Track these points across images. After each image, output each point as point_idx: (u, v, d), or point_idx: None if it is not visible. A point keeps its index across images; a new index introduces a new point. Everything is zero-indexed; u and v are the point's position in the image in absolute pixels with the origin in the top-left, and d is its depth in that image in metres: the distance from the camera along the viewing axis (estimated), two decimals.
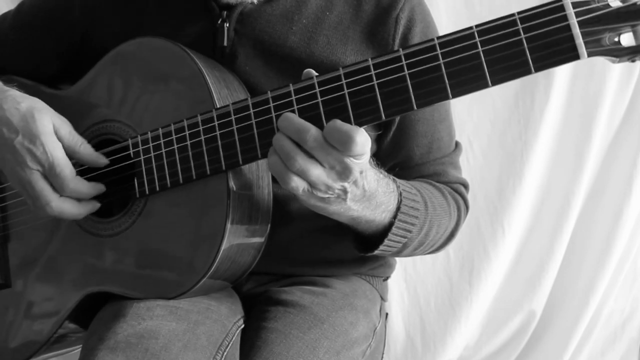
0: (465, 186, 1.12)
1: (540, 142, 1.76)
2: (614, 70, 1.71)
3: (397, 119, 1.01)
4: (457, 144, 1.12)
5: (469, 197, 1.12)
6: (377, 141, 1.04)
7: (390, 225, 0.90)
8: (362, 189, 0.81)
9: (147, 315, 0.87)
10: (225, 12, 0.98)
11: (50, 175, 0.91)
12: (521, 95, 1.75)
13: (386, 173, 0.90)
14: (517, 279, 1.87)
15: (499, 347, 1.92)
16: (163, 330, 0.85)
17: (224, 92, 0.91)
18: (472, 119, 1.76)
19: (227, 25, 0.98)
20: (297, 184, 0.77)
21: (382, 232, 0.91)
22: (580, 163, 1.76)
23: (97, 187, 0.94)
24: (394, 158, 1.05)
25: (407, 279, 1.84)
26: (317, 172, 0.77)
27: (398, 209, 0.89)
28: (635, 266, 1.87)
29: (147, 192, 0.91)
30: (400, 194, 0.90)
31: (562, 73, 1.72)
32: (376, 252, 0.93)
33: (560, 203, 1.80)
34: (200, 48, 0.97)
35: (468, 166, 1.77)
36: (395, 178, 0.91)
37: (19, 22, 1.12)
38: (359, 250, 0.96)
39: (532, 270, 1.85)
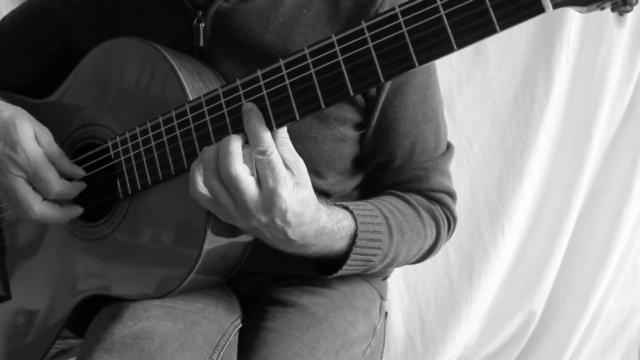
0: (451, 195, 1.07)
1: (540, 142, 1.76)
2: (614, 70, 1.71)
3: (375, 116, 0.99)
4: (448, 149, 1.08)
5: (456, 206, 1.08)
6: (360, 141, 1.02)
7: (339, 263, 0.91)
8: (283, 233, 0.81)
9: (143, 316, 0.87)
10: (200, 12, 0.97)
11: (35, 180, 0.91)
12: (521, 95, 1.75)
13: (343, 212, 0.88)
14: (517, 279, 1.87)
15: (499, 347, 1.92)
16: (159, 330, 0.85)
17: (198, 85, 0.91)
18: (472, 119, 1.76)
19: (203, 25, 0.97)
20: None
21: (334, 263, 0.92)
22: (580, 163, 1.76)
23: (79, 185, 0.94)
24: (376, 158, 1.03)
25: (407, 278, 1.84)
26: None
27: (350, 248, 0.89)
28: (635, 266, 1.88)
29: (129, 192, 0.91)
30: (355, 236, 0.89)
31: (562, 73, 1.72)
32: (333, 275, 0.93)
33: (560, 203, 1.80)
34: (178, 49, 0.96)
35: (468, 166, 1.77)
36: (357, 212, 0.90)
37: (1, 35, 1.12)
38: (314, 270, 0.96)
39: (532, 270, 1.85)
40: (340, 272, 0.92)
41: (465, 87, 1.74)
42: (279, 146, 0.78)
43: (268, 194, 0.77)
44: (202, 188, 0.80)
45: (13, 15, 1.13)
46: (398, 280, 1.84)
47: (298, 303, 1.00)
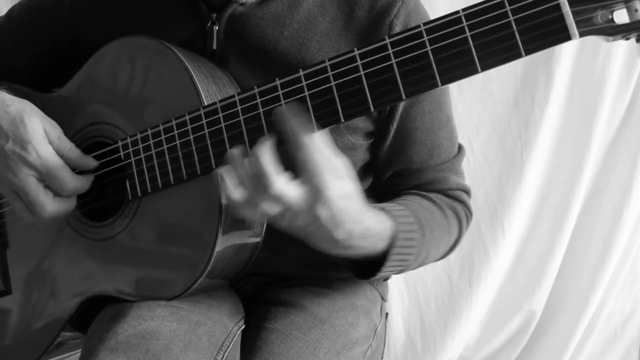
0: (467, 192, 1.09)
1: (540, 142, 1.76)
2: (614, 70, 1.71)
3: (394, 126, 0.99)
4: (459, 149, 1.09)
5: (471, 202, 1.10)
6: (372, 150, 1.02)
7: (379, 264, 0.89)
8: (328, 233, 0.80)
9: (148, 316, 0.87)
10: (215, 15, 0.97)
11: (49, 178, 0.90)
12: (521, 95, 1.75)
13: (384, 213, 0.87)
14: (517, 279, 1.87)
15: (499, 347, 1.92)
16: (164, 330, 0.85)
17: (212, 88, 0.90)
18: (472, 119, 1.76)
19: (217, 28, 0.97)
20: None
21: (374, 264, 0.90)
22: (580, 163, 1.76)
23: (89, 178, 0.94)
24: (394, 166, 1.03)
25: (407, 279, 1.84)
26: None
27: (389, 249, 0.88)
28: (635, 266, 1.87)
29: (139, 194, 0.91)
30: (394, 237, 0.87)
31: (562, 73, 1.72)
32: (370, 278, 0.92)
33: (560, 203, 1.80)
34: (191, 51, 0.95)
35: (468, 166, 1.77)
36: (393, 213, 0.88)
37: (9, 27, 1.12)
38: (353, 274, 0.95)
39: (532, 270, 1.85)
40: (379, 275, 0.90)
41: (465, 87, 1.75)
42: (320, 144, 0.76)
43: (312, 193, 0.75)
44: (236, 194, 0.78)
45: (21, 7, 1.12)
46: (398, 281, 1.84)
47: (300, 303, 0.99)
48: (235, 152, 0.79)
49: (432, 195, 1.02)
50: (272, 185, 0.75)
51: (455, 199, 1.06)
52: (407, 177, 1.04)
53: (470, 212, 1.09)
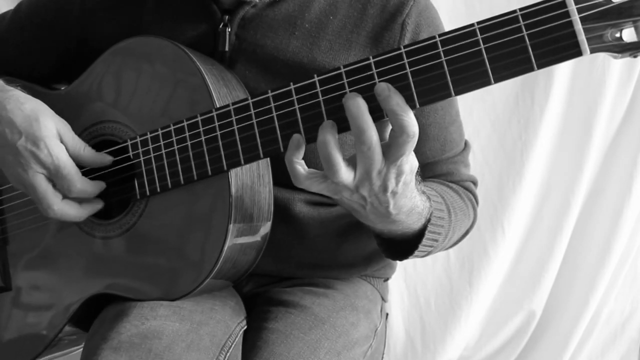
0: (475, 183, 1.12)
1: (540, 142, 1.76)
2: (614, 70, 1.71)
3: None
4: (466, 143, 1.12)
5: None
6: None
7: (414, 243, 0.90)
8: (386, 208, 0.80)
9: (150, 315, 0.87)
10: (227, 17, 0.97)
11: (57, 177, 0.90)
12: (521, 95, 1.75)
13: (424, 195, 0.87)
14: (517, 279, 1.87)
15: (499, 347, 1.92)
16: (166, 330, 0.85)
17: (223, 90, 0.90)
18: (472, 119, 1.76)
19: (229, 30, 0.97)
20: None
21: (409, 243, 0.91)
22: (580, 163, 1.76)
23: (100, 185, 0.94)
24: None
25: (407, 279, 1.84)
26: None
27: (425, 227, 0.88)
28: (635, 266, 1.87)
29: (147, 193, 0.91)
30: (430, 214, 0.88)
31: (562, 73, 1.72)
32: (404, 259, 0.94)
33: (560, 203, 1.80)
34: (201, 52, 0.96)
35: None
36: (428, 195, 0.89)
37: (17, 23, 1.12)
38: (386, 254, 0.95)
39: (532, 270, 1.85)
40: (412, 255, 0.91)
41: None
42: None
43: (394, 165, 0.74)
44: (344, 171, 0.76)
45: (29, 5, 1.12)
46: (398, 281, 1.84)
47: (300, 304, 0.99)
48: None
49: (448, 184, 1.05)
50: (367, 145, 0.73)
51: (466, 189, 1.08)
52: (420, 170, 1.04)
53: (477, 202, 1.11)
